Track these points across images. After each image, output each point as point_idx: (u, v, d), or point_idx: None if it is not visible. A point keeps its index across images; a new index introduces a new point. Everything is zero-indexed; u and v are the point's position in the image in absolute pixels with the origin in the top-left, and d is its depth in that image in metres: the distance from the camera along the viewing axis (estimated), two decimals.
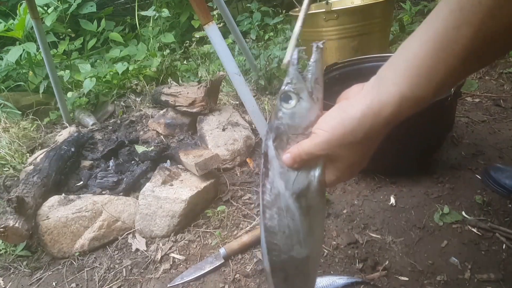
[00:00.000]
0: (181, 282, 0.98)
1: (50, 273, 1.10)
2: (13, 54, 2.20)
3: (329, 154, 0.42)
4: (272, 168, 0.46)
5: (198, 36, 2.51)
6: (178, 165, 1.35)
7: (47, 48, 1.86)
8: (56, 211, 1.17)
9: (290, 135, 0.45)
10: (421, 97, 0.37)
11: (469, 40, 0.33)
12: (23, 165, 1.63)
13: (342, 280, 0.89)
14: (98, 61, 2.62)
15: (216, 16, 2.12)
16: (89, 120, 2.00)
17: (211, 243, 1.10)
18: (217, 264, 1.00)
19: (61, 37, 2.81)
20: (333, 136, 0.41)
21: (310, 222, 0.46)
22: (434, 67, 0.35)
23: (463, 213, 1.05)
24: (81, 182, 1.39)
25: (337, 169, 0.44)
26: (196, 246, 1.10)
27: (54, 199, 1.22)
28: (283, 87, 0.44)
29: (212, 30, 1.09)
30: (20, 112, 2.11)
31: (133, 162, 1.48)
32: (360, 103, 0.39)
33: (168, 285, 0.98)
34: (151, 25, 2.57)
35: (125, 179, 1.36)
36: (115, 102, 2.20)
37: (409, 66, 0.36)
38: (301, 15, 0.50)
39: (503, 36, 0.33)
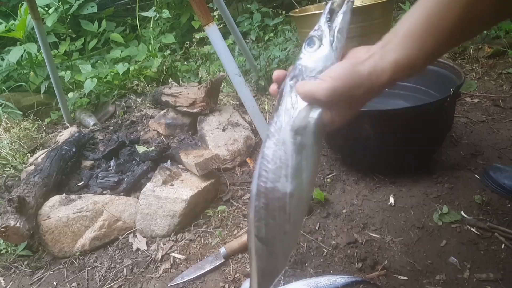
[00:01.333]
0: (182, 281, 0.98)
1: (51, 272, 1.10)
2: (14, 54, 2.20)
3: (331, 102, 0.46)
4: (283, 103, 0.50)
5: (198, 36, 2.51)
6: (179, 165, 1.35)
7: (48, 48, 1.86)
8: (57, 211, 1.17)
9: (304, 76, 0.49)
10: (412, 64, 0.42)
11: (456, 17, 0.38)
12: (24, 165, 1.64)
13: (342, 279, 0.89)
14: (99, 61, 2.63)
15: (216, 17, 2.13)
16: (90, 121, 2.01)
17: (211, 242, 1.10)
18: (218, 264, 1.01)
19: (62, 37, 2.82)
20: (339, 86, 0.45)
21: (299, 161, 0.50)
22: (424, 39, 0.40)
23: (462, 213, 1.05)
24: (82, 182, 1.40)
25: (334, 115, 0.48)
26: (196, 246, 1.10)
27: (55, 199, 1.23)
28: (310, 32, 0.49)
29: (212, 31, 1.10)
30: (21, 113, 2.11)
31: (134, 162, 1.48)
32: (368, 64, 0.44)
33: (168, 284, 0.99)
34: (151, 25, 2.57)
35: (126, 179, 1.36)
36: (116, 102, 2.20)
37: (405, 36, 0.42)
38: None
39: (488, 14, 0.38)
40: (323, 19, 0.49)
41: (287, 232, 0.55)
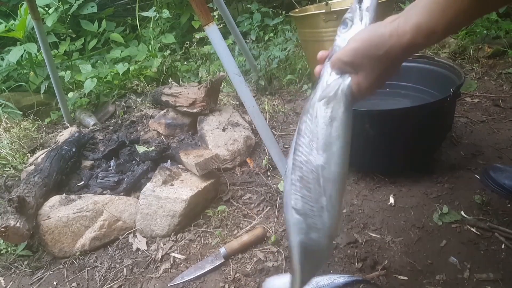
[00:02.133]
0: (182, 281, 0.98)
1: (51, 272, 1.10)
2: (14, 54, 2.20)
3: (354, 62, 0.50)
4: (320, 82, 0.55)
5: (198, 36, 2.51)
6: (179, 165, 1.35)
7: (48, 48, 1.86)
8: (57, 211, 1.17)
9: None
10: (432, 30, 0.44)
11: None
12: (24, 165, 1.64)
13: (342, 278, 0.89)
14: (99, 61, 2.63)
15: (216, 16, 2.13)
16: (90, 120, 2.01)
17: (211, 242, 1.10)
18: (217, 264, 1.01)
19: (62, 37, 2.82)
20: (361, 46, 0.49)
21: (329, 134, 0.53)
22: (446, 6, 0.43)
23: (462, 213, 1.05)
24: (82, 182, 1.40)
25: (360, 79, 0.51)
26: (196, 246, 1.10)
27: (55, 199, 1.23)
28: (344, 15, 0.54)
29: (212, 31, 1.10)
30: (21, 112, 2.11)
31: (134, 162, 1.48)
32: (390, 25, 0.47)
33: (168, 284, 0.99)
34: (151, 25, 2.57)
35: (126, 179, 1.36)
36: (116, 102, 2.20)
37: (429, 3, 0.44)
38: None
39: None
40: (354, 3, 0.53)
41: (324, 207, 0.55)
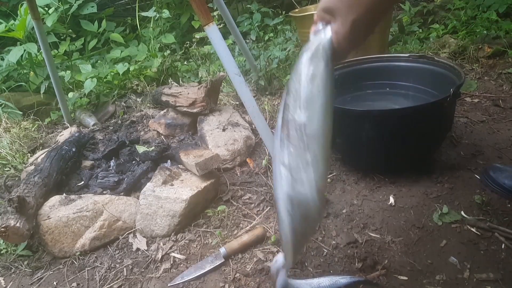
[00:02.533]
0: (182, 281, 0.98)
1: (51, 272, 1.10)
2: (14, 54, 2.20)
3: (330, 7, 0.52)
4: (308, 44, 0.57)
5: (198, 36, 2.51)
6: (179, 165, 1.35)
7: (48, 48, 1.86)
8: (57, 211, 1.17)
9: None
10: None
11: None
12: (24, 165, 1.64)
13: (344, 279, 0.89)
14: (99, 61, 2.63)
15: (216, 17, 2.13)
16: (90, 120, 2.01)
17: (211, 242, 1.10)
18: (217, 264, 1.01)
19: (62, 37, 2.82)
20: None
21: (311, 90, 0.55)
22: None
23: (462, 213, 1.05)
24: (82, 182, 1.40)
25: (338, 27, 0.52)
26: (196, 246, 1.10)
27: (55, 199, 1.23)
28: None
29: (212, 31, 1.10)
30: (21, 112, 2.11)
31: (134, 162, 1.48)
32: None
33: (168, 284, 0.99)
34: (151, 25, 2.57)
35: (126, 179, 1.36)
36: (116, 102, 2.20)
37: None
38: None
39: None
40: None
41: (309, 163, 0.58)
